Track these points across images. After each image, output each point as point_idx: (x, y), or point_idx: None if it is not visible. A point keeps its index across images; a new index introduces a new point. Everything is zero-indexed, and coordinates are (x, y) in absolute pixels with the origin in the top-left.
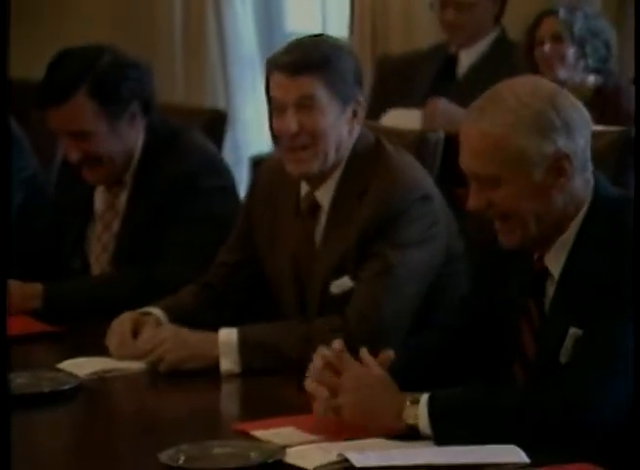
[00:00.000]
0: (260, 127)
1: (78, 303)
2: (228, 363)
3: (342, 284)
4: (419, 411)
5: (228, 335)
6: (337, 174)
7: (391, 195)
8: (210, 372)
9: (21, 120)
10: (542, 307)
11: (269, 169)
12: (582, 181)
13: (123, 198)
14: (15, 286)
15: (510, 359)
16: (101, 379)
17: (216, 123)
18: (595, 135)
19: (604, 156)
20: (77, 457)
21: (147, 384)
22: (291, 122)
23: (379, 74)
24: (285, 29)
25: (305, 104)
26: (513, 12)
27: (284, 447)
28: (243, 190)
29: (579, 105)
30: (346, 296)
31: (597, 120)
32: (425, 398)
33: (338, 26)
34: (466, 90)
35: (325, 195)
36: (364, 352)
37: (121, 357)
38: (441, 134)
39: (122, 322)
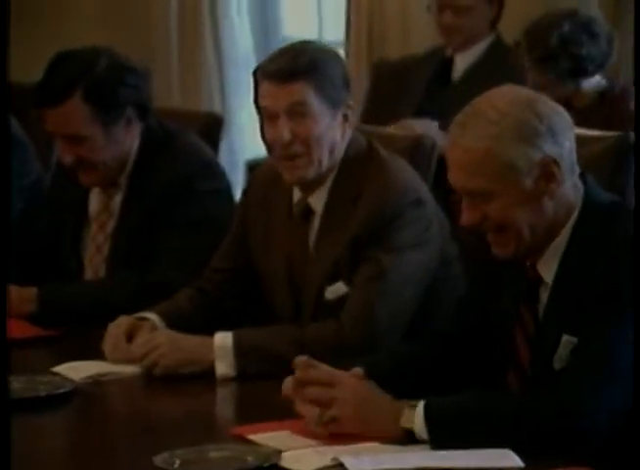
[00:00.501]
0: (256, 132)
1: (73, 306)
2: (223, 367)
3: (336, 289)
4: (416, 417)
5: (223, 339)
6: (329, 179)
7: (385, 199)
8: (206, 376)
9: (19, 121)
10: (536, 315)
11: (263, 174)
12: (572, 185)
13: (118, 199)
14: (9, 290)
15: (504, 367)
16: (96, 383)
17: (212, 128)
18: (592, 140)
19: (601, 160)
20: (73, 461)
21: (142, 388)
22: (283, 131)
23: (375, 79)
24: (281, 34)
25: (297, 111)
26: (509, 16)
27: (279, 451)
28: (238, 194)
29: (559, 108)
30: (341, 301)
31: (601, 125)
32: (421, 404)
33: (334, 31)
34: (461, 94)
35: (318, 200)
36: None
37: (116, 361)
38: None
39: (118, 326)
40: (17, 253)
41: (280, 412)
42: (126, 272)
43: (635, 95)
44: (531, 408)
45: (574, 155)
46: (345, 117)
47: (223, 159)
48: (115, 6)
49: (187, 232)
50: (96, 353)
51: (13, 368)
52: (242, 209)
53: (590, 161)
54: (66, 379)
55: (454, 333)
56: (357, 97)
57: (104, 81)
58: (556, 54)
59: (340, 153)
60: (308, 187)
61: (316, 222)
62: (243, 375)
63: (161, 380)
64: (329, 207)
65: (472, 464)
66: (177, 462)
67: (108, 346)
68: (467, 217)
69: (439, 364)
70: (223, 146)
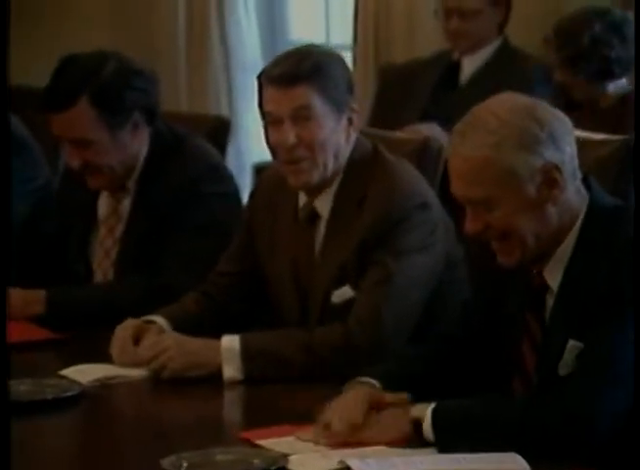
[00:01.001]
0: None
1: (81, 309)
2: (231, 370)
3: (342, 293)
4: (425, 418)
5: (231, 342)
6: (335, 183)
7: (391, 203)
8: (213, 379)
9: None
10: (543, 321)
11: (269, 177)
12: (574, 190)
13: (127, 203)
14: (17, 293)
15: (509, 374)
16: (104, 386)
17: (219, 131)
18: (597, 143)
19: (605, 164)
20: (80, 464)
21: (149, 391)
22: (288, 135)
23: (382, 83)
24: (288, 37)
25: (301, 115)
26: (516, 19)
27: (286, 455)
28: (246, 197)
29: (559, 113)
30: (348, 305)
31: (614, 130)
32: (430, 408)
33: (341, 35)
34: (468, 98)
35: (324, 204)
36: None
37: (123, 365)
38: (443, 143)
39: (125, 329)
40: (24, 255)
41: (287, 416)
42: (134, 276)
43: (635, 95)
44: (537, 413)
45: (576, 160)
46: (350, 121)
47: (230, 162)
48: (120, 7)
49: (195, 236)
50: (103, 357)
51: (20, 371)
52: (248, 212)
53: (596, 164)
54: (73, 382)
55: (460, 336)
56: (364, 100)
57: (110, 86)
58: (585, 54)
59: (344, 157)
60: (314, 191)
61: (322, 226)
62: (250, 378)
63: (169, 383)
64: (335, 210)
65: (478, 467)
66: (184, 465)
67: (115, 349)
68: (470, 226)
69: (445, 368)
70: (230, 149)
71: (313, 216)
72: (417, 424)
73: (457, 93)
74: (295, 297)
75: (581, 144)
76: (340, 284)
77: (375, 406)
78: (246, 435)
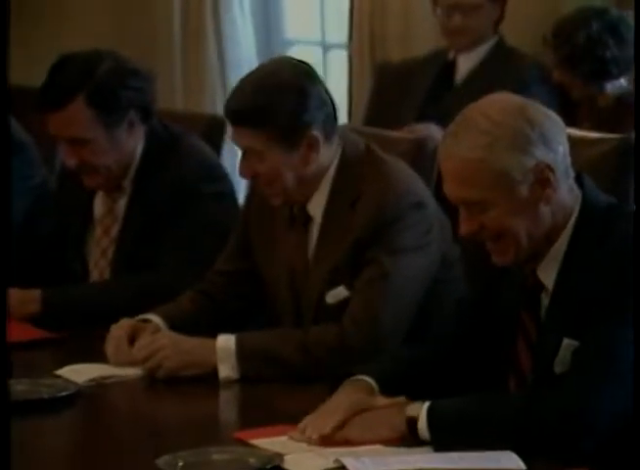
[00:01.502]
0: None
1: (77, 309)
2: (226, 370)
3: (337, 294)
4: (420, 415)
5: (226, 341)
6: (327, 185)
7: (385, 202)
8: (208, 379)
9: (22, 124)
10: (538, 320)
11: None
12: (567, 188)
13: (123, 203)
14: (13, 292)
15: (504, 373)
16: (99, 385)
17: (215, 130)
18: (594, 142)
19: (604, 163)
20: (76, 463)
21: (145, 390)
22: (242, 168)
23: (378, 82)
24: (284, 36)
25: (249, 151)
26: (511, 18)
27: (282, 454)
28: (241, 196)
29: (551, 112)
30: (342, 305)
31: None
32: (425, 406)
33: (337, 33)
34: (464, 96)
35: (317, 207)
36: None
37: (118, 364)
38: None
39: (120, 328)
40: (21, 255)
41: (282, 416)
42: (130, 275)
43: (635, 95)
44: (533, 411)
45: (568, 159)
46: (310, 146)
47: (226, 161)
48: (117, 7)
49: (191, 235)
50: (99, 356)
51: (16, 371)
52: (245, 214)
53: (592, 163)
54: (69, 382)
55: (455, 336)
56: (360, 98)
57: (106, 84)
58: (581, 54)
59: (314, 175)
60: (299, 200)
61: (315, 229)
62: (245, 378)
63: (164, 383)
64: (328, 212)
65: (474, 466)
66: (180, 464)
67: (110, 348)
68: (465, 227)
69: (441, 367)
70: (226, 148)
71: (307, 219)
72: (412, 423)
73: (453, 92)
74: (289, 297)
75: (579, 142)
76: (334, 284)
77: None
78: (240, 435)
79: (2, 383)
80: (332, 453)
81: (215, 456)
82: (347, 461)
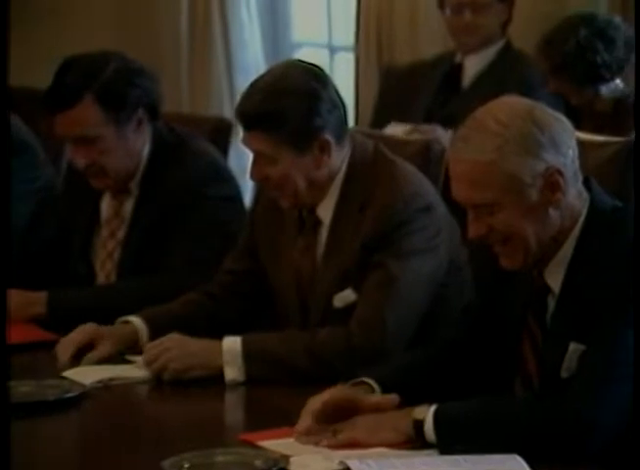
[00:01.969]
0: None
1: (83, 311)
2: (232, 372)
3: (345, 297)
4: (426, 418)
5: (232, 343)
6: (336, 188)
7: (393, 205)
8: (214, 381)
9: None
10: (544, 323)
11: None
12: (576, 192)
13: (129, 205)
14: (18, 294)
15: (511, 377)
16: (105, 387)
17: (221, 132)
18: (599, 145)
19: (607, 166)
20: (81, 465)
21: (151, 392)
22: (253, 171)
23: (384, 85)
24: (291, 39)
25: (259, 155)
26: (519, 21)
27: (287, 456)
28: (248, 199)
29: (559, 115)
30: (349, 309)
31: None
32: (432, 409)
33: (343, 36)
34: (471, 99)
35: (326, 211)
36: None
37: (62, 358)
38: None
39: (79, 333)
40: (26, 257)
41: (288, 418)
42: (136, 277)
43: (635, 95)
44: (539, 415)
45: (577, 162)
46: (322, 149)
47: (232, 164)
48: (123, 8)
49: (197, 237)
50: (105, 358)
51: (21, 372)
52: (252, 217)
53: (597, 167)
54: (75, 383)
55: (461, 339)
56: (367, 101)
57: (114, 82)
58: (572, 61)
59: (326, 177)
60: (310, 204)
61: (324, 233)
62: (251, 380)
63: (170, 385)
64: (337, 216)
65: (480, 469)
66: (185, 466)
67: (60, 349)
68: (473, 230)
69: (447, 371)
70: (232, 151)
71: (315, 223)
72: (418, 425)
73: (460, 95)
74: (297, 301)
75: (583, 146)
76: (341, 288)
77: (353, 408)
78: (246, 437)
79: (2, 383)
80: (337, 456)
81: (221, 458)
82: (352, 463)
